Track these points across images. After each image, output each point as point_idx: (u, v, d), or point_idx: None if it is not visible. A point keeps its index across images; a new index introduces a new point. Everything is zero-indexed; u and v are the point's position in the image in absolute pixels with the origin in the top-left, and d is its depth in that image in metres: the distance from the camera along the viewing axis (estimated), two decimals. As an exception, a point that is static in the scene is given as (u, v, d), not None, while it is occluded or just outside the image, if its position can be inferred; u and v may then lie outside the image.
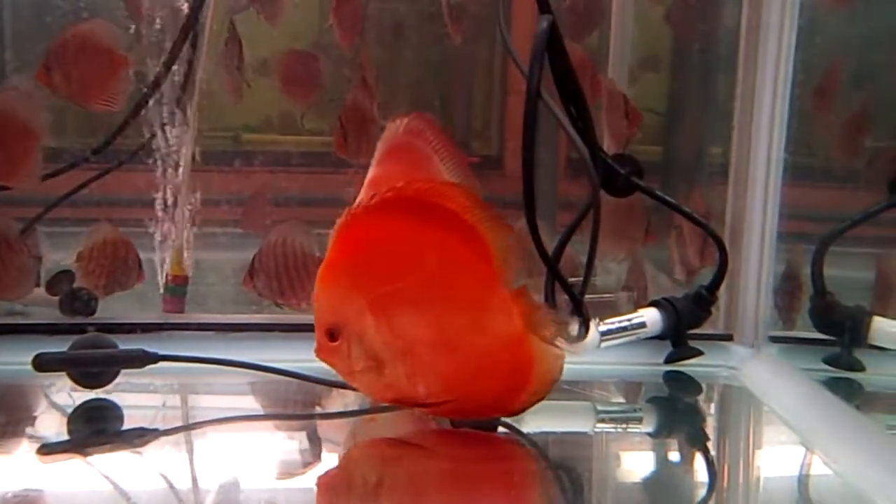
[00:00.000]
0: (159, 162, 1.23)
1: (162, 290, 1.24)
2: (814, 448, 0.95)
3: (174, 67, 1.20)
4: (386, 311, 0.79)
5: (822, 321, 1.19)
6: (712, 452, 0.95)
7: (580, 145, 0.96)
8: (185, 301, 1.25)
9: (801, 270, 1.25)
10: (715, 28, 1.40)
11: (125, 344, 0.98)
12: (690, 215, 1.18)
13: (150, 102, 1.20)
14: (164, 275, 1.23)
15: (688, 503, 0.85)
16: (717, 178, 1.31)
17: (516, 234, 0.82)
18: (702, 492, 0.86)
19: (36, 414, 0.99)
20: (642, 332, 1.12)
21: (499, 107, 1.58)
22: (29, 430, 0.93)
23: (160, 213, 1.24)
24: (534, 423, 0.88)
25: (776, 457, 0.98)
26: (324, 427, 0.98)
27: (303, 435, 0.95)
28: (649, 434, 1.02)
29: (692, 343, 1.15)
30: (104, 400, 0.96)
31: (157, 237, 1.24)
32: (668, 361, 1.14)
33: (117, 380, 0.97)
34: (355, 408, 0.97)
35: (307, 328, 1.12)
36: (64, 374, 0.95)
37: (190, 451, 0.89)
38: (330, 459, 0.88)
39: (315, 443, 0.91)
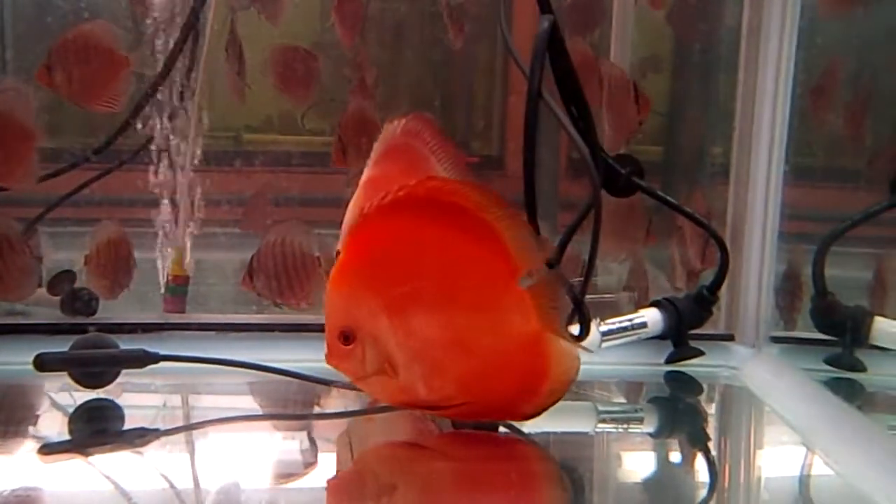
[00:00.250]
0: (159, 162, 1.23)
1: (163, 291, 1.24)
2: (815, 448, 0.95)
3: (175, 67, 1.20)
4: (402, 311, 0.78)
5: (824, 321, 1.19)
6: (713, 453, 0.95)
7: (581, 145, 0.96)
8: (186, 301, 1.25)
9: (803, 270, 1.25)
10: (716, 28, 1.40)
11: (126, 344, 0.98)
12: (691, 215, 1.18)
13: (150, 102, 1.20)
14: (165, 275, 1.23)
15: (689, 503, 0.85)
16: (718, 178, 1.31)
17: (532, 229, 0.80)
18: (703, 492, 0.86)
19: (37, 414, 0.99)
20: (643, 333, 1.12)
21: (500, 107, 1.58)
22: (30, 430, 0.93)
23: (161, 214, 1.24)
24: (535, 423, 0.88)
25: (777, 457, 0.98)
26: (324, 427, 0.98)
27: (303, 435, 0.95)
28: (650, 434, 1.02)
29: (693, 343, 1.15)
30: (105, 400, 0.96)
31: (158, 237, 1.24)
32: (669, 361, 1.14)
33: (118, 380, 0.97)
34: (356, 408, 0.97)
35: (307, 328, 1.13)
36: (65, 374, 0.95)
37: (191, 452, 0.89)
38: (330, 460, 0.88)
39: (315, 443, 0.91)
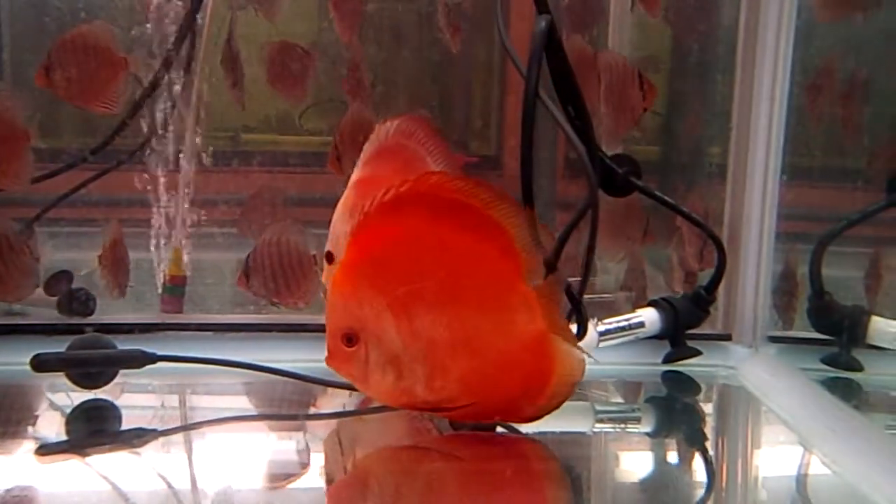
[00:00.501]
0: (157, 162, 1.23)
1: (160, 291, 1.24)
2: (812, 448, 0.95)
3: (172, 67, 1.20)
4: (406, 311, 0.76)
5: (821, 321, 1.19)
6: (711, 452, 0.95)
7: (578, 145, 0.96)
8: (184, 301, 1.25)
9: (799, 270, 1.25)
10: (713, 29, 1.40)
11: (123, 344, 0.98)
12: (688, 215, 1.18)
13: (148, 103, 1.20)
14: (163, 275, 1.23)
15: (686, 503, 0.85)
16: (715, 178, 1.31)
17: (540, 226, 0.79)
18: (700, 491, 0.86)
19: (34, 414, 0.99)
20: (641, 332, 1.13)
21: (497, 106, 1.57)
22: (27, 430, 0.93)
23: (158, 214, 1.23)
24: (533, 423, 0.88)
25: (774, 456, 0.98)
26: (322, 427, 0.98)
27: (300, 435, 0.95)
28: (648, 434, 1.02)
29: (691, 343, 1.15)
30: (102, 400, 0.96)
31: (156, 237, 1.24)
32: (666, 361, 1.14)
33: (116, 380, 0.97)
34: (352, 408, 0.97)
35: (305, 328, 1.13)
36: (62, 374, 0.95)
37: (188, 452, 0.89)
38: (328, 460, 0.88)
39: (313, 443, 0.91)
